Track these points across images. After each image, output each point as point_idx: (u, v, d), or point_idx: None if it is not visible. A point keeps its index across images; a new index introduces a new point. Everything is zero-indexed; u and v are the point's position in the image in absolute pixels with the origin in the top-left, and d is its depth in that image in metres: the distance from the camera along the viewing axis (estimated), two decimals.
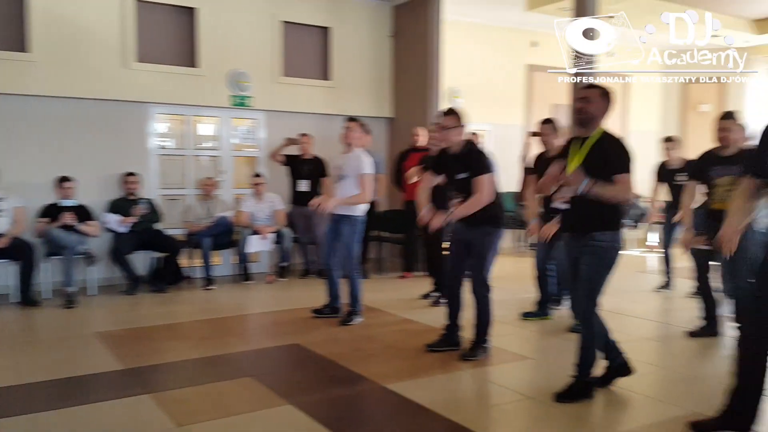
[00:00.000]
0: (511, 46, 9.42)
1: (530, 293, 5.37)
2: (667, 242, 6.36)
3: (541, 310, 5.15)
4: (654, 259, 8.22)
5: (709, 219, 4.44)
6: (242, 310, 5.73)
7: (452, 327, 4.24)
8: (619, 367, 3.49)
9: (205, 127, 7.44)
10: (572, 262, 3.38)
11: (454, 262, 4.16)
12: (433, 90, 7.64)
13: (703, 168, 4.51)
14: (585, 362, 3.33)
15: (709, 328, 4.63)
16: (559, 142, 4.97)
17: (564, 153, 3.40)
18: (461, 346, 4.19)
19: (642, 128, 10.52)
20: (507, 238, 9.43)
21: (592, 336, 3.31)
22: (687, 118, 10.29)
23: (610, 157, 3.16)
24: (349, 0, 7.91)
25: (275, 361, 4.20)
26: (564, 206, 3.35)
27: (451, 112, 4.08)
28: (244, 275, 6.76)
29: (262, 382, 3.59)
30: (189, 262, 6.74)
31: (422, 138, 6.46)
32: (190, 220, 6.66)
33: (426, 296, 5.85)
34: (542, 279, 5.14)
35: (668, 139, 6.39)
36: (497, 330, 4.76)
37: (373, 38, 8.16)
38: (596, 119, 3.26)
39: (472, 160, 3.97)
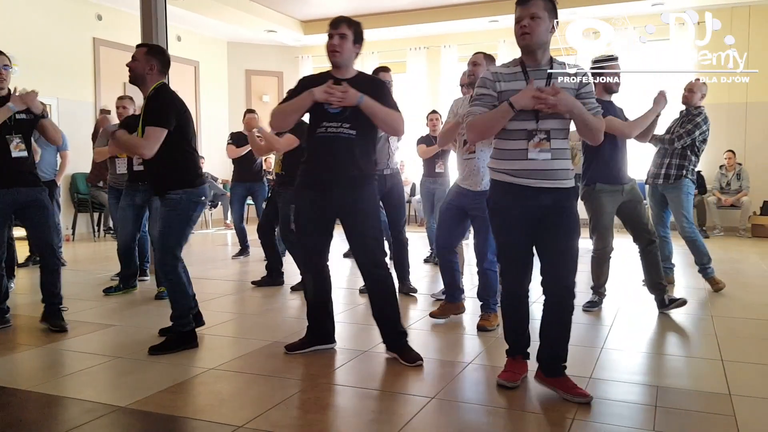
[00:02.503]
0: (75, 17, 8.79)
1: (111, 272, 5.33)
2: (238, 218, 6.94)
3: (124, 284, 5.04)
4: (231, 235, 8.84)
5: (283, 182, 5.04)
6: None
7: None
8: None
9: None
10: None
11: None
12: None
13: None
14: (179, 314, 3.42)
15: (270, 279, 5.32)
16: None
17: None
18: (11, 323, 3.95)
19: (211, 112, 11.15)
20: (82, 223, 8.83)
21: (177, 287, 3.42)
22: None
23: (149, 110, 3.29)
24: None
25: None
26: (140, 167, 3.40)
27: None
28: None
29: None
30: None
31: None
32: None
33: None
34: (128, 253, 5.02)
35: (249, 111, 6.97)
36: (77, 306, 4.50)
37: None
38: (145, 76, 3.33)
39: None
